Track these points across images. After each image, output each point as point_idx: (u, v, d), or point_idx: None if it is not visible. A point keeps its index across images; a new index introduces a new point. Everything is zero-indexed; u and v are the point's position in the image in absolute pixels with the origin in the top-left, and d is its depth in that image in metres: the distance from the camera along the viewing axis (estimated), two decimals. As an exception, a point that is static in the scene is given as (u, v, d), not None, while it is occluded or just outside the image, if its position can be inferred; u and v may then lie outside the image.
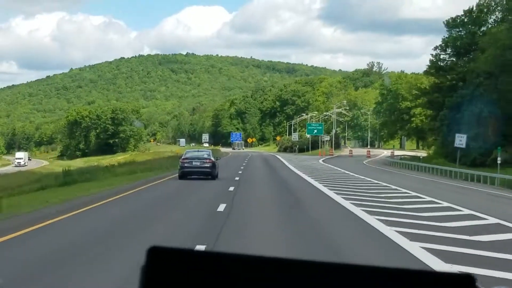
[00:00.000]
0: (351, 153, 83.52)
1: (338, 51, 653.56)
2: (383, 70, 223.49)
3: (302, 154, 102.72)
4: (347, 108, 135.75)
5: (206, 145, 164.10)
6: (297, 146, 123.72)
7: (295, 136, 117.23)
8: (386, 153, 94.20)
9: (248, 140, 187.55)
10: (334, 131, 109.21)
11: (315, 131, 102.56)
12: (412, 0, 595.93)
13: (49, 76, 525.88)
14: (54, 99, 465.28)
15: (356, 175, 45.95)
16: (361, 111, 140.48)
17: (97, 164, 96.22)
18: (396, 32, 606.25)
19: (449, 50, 72.29)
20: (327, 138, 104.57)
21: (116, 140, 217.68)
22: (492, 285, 9.00)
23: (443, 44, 72.45)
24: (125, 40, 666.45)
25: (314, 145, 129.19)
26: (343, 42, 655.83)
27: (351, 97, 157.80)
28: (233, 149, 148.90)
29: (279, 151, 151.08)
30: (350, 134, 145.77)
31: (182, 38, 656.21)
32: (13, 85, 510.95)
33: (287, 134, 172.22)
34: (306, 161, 73.32)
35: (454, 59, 72.11)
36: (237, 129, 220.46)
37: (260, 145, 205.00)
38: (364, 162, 70.85)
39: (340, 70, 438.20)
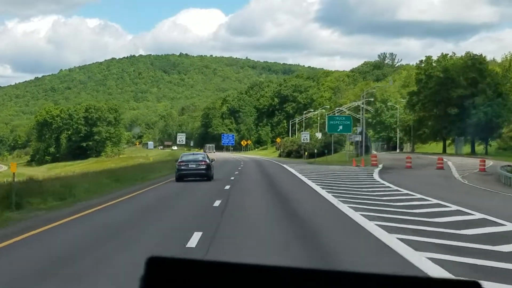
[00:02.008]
0: (410, 162, 47.07)
1: (336, 54, 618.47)
2: (397, 62, 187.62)
3: (322, 163, 66.05)
4: (371, 100, 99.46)
5: (175, 148, 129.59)
6: (307, 150, 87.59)
7: (305, 137, 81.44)
8: (448, 160, 57.98)
9: (242, 142, 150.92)
10: (361, 129, 73.34)
11: (340, 127, 66.38)
12: (409, 2, 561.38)
13: (37, 77, 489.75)
14: (41, 101, 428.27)
15: None
16: (388, 104, 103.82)
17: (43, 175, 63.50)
18: (394, 35, 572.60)
19: None
20: (358, 138, 68.67)
21: (90, 143, 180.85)
22: None
23: None
24: (120, 43, 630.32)
25: (329, 147, 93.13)
26: (340, 45, 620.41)
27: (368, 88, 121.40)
28: (204, 151, 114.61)
29: (280, 156, 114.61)
30: (371, 134, 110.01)
31: (177, 41, 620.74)
32: (0, 87, 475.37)
33: (289, 135, 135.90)
34: (371, 187, 37.37)
35: None
36: (230, 130, 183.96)
37: (256, 149, 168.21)
38: (467, 182, 34.46)
39: (337, 71, 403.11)
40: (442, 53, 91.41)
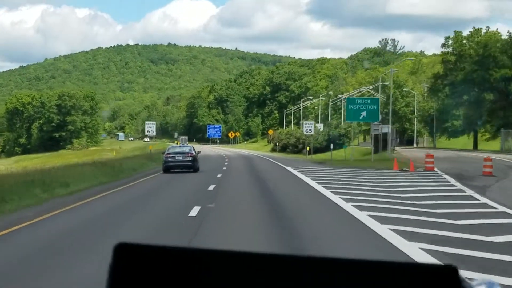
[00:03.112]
0: (490, 167, 28.49)
1: (326, 47, 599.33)
2: (399, 49, 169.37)
3: (338, 163, 45.51)
4: (385, 84, 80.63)
5: (147, 140, 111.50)
6: (309, 145, 68.81)
7: (308, 128, 62.20)
8: None
9: (229, 134, 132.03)
10: (383, 118, 54.68)
11: (363, 114, 46.52)
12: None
13: (22, 66, 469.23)
14: (24, 90, 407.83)
15: None
16: (404, 90, 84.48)
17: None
18: (385, 28, 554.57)
19: None
20: (386, 128, 49.49)
21: (64, 133, 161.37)
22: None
23: None
24: (109, 33, 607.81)
25: (333, 141, 74.68)
26: (331, 38, 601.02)
27: (377, 75, 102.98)
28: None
29: (274, 150, 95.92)
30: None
31: (167, 32, 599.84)
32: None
33: (283, 126, 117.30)
34: None
35: None
36: (217, 121, 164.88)
37: (245, 141, 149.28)
38: None
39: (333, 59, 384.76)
40: (474, 27, 72.92)
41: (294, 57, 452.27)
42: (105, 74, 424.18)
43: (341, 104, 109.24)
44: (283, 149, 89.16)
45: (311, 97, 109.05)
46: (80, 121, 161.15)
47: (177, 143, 75.32)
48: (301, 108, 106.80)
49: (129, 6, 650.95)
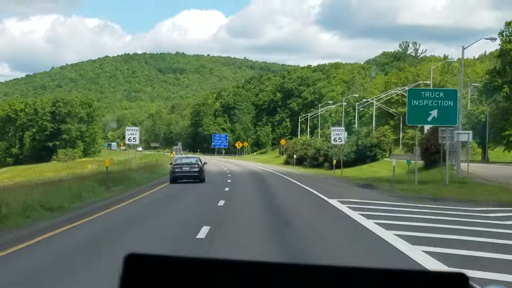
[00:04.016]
0: None
1: (336, 57, 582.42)
2: (421, 53, 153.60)
3: (406, 190, 27.63)
4: (421, 83, 64.92)
5: (140, 149, 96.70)
6: (335, 157, 53.18)
7: (337, 135, 46.57)
8: None
9: (236, 144, 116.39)
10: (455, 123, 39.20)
11: (434, 114, 30.24)
12: (410, 6, 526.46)
13: (28, 75, 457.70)
14: (29, 99, 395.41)
15: None
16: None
17: None
18: (394, 39, 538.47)
19: None
20: (465, 136, 33.89)
21: (58, 142, 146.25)
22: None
23: None
24: (118, 43, 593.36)
25: (362, 152, 59.77)
26: (341, 48, 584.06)
27: (407, 75, 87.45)
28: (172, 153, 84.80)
29: (287, 163, 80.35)
30: (409, 135, 76.47)
31: (176, 42, 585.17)
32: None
33: (298, 135, 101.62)
34: None
35: None
36: (223, 129, 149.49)
37: (254, 152, 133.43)
38: None
39: (348, 64, 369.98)
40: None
41: (304, 66, 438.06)
42: (112, 83, 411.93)
43: (363, 110, 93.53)
44: (299, 161, 73.42)
45: (330, 101, 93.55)
46: (75, 130, 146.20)
47: (171, 155, 62.49)
48: (319, 113, 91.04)
49: (140, 17, 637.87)
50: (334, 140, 48.68)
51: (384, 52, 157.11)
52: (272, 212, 19.66)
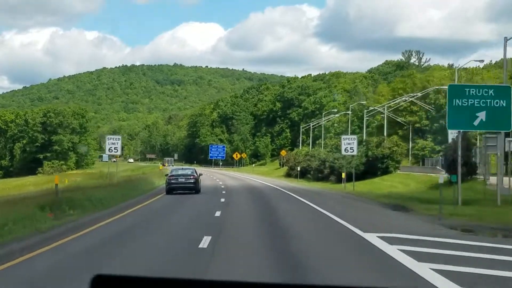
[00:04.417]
0: None
1: (334, 69, 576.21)
2: (424, 62, 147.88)
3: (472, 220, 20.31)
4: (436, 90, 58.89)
5: (131, 160, 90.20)
6: (344, 169, 46.74)
7: (349, 145, 40.33)
8: None
9: (234, 155, 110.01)
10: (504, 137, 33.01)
11: (481, 116, 23.26)
12: (408, 18, 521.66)
13: (26, 87, 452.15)
14: (20, 110, 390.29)
15: None
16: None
17: None
18: (392, 51, 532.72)
19: None
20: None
21: (48, 154, 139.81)
22: None
23: None
24: (118, 55, 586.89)
25: (373, 164, 53.63)
26: (339, 60, 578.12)
27: (415, 81, 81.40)
28: (163, 165, 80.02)
29: (288, 175, 73.98)
30: (420, 145, 70.49)
31: (175, 54, 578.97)
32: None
33: (300, 145, 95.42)
34: None
35: None
36: (221, 140, 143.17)
37: (252, 164, 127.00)
38: None
39: (349, 73, 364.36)
40: None
41: (303, 77, 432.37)
42: (109, 95, 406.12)
43: (368, 120, 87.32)
44: (302, 174, 67.06)
45: (335, 109, 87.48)
46: (67, 141, 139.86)
47: (160, 168, 57.69)
48: (322, 123, 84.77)
49: (139, 30, 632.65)
50: (345, 150, 42.16)
51: (387, 61, 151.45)
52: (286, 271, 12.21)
